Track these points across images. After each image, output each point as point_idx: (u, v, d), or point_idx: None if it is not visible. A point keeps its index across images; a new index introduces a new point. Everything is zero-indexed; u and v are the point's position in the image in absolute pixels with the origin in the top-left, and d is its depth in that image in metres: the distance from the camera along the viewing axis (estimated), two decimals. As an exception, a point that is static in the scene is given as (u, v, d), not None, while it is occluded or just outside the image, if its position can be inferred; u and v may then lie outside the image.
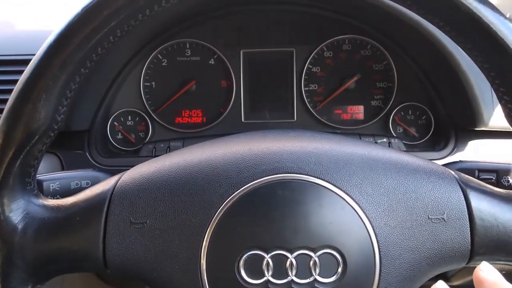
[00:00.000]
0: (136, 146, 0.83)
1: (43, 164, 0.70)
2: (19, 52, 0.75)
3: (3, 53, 0.75)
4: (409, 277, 0.41)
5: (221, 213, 0.40)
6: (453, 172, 0.44)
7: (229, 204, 0.40)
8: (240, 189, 0.40)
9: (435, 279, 0.50)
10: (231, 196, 0.40)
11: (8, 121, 0.39)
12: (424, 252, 0.41)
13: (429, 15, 0.40)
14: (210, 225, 0.40)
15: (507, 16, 0.81)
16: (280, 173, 0.41)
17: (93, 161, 0.75)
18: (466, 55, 0.42)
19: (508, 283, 0.38)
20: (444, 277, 0.80)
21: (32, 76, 0.39)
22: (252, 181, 0.40)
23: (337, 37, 0.84)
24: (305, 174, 0.41)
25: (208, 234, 0.40)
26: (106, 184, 0.44)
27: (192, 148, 0.47)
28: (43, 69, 0.39)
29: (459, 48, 0.62)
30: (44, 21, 0.87)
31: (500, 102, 0.41)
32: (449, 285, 0.85)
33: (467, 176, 0.45)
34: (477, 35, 0.39)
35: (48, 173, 0.59)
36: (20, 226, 0.41)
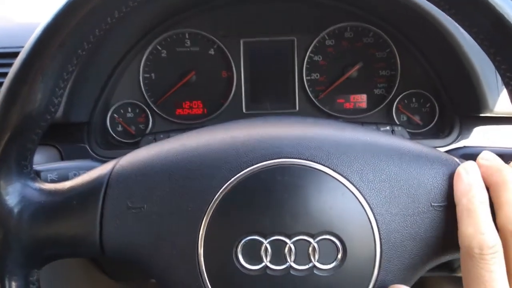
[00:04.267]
0: (136, 138, 0.82)
1: (43, 157, 0.70)
2: (18, 44, 0.75)
3: (2, 46, 0.75)
4: (411, 265, 0.40)
5: (219, 198, 0.39)
6: (456, 159, 0.43)
7: (227, 189, 0.39)
8: (239, 174, 0.40)
9: (438, 269, 0.49)
10: (230, 181, 0.39)
11: (4, 103, 0.39)
12: (426, 240, 0.40)
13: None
14: (208, 210, 0.39)
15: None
16: (280, 158, 0.40)
17: (93, 153, 0.74)
18: (470, 40, 0.41)
19: (508, 166, 0.39)
20: (450, 268, 0.79)
21: (29, 56, 0.38)
22: (251, 166, 0.40)
23: (339, 25, 0.82)
24: (305, 159, 0.40)
25: (206, 219, 0.39)
26: (104, 169, 0.43)
27: (191, 133, 0.46)
28: (40, 50, 0.38)
29: (463, 34, 0.60)
30: (43, 14, 0.87)
31: (507, 87, 0.40)
32: (455, 276, 0.84)
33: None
34: (483, 19, 0.37)
35: (46, 163, 0.58)
36: (16, 210, 0.41)
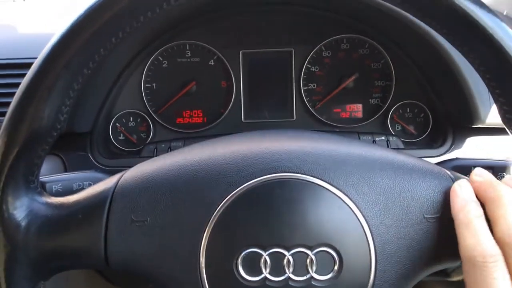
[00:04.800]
0: (137, 146, 0.84)
1: (46, 166, 0.71)
2: (21, 55, 0.76)
3: (5, 57, 0.76)
4: (405, 275, 0.41)
5: (220, 211, 0.41)
6: (448, 172, 0.45)
7: (228, 203, 0.41)
8: (239, 188, 0.41)
9: (433, 276, 0.50)
10: (230, 195, 0.41)
11: (12, 121, 0.40)
12: (419, 251, 0.41)
13: (426, 18, 0.40)
14: (210, 223, 0.40)
15: (504, 13, 0.81)
16: (279, 172, 0.41)
17: (95, 162, 0.76)
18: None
19: (500, 182, 0.41)
20: (444, 273, 0.81)
21: (36, 76, 0.39)
22: (251, 180, 0.41)
23: (335, 37, 0.84)
24: (303, 174, 0.41)
25: (207, 232, 0.40)
26: (108, 183, 0.44)
27: (192, 147, 0.48)
28: (47, 69, 0.39)
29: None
30: (46, 25, 0.88)
31: (496, 103, 0.42)
32: (449, 281, 0.85)
33: (462, 176, 0.45)
34: (473, 38, 0.39)
35: (51, 174, 0.60)
36: (23, 223, 0.42)
